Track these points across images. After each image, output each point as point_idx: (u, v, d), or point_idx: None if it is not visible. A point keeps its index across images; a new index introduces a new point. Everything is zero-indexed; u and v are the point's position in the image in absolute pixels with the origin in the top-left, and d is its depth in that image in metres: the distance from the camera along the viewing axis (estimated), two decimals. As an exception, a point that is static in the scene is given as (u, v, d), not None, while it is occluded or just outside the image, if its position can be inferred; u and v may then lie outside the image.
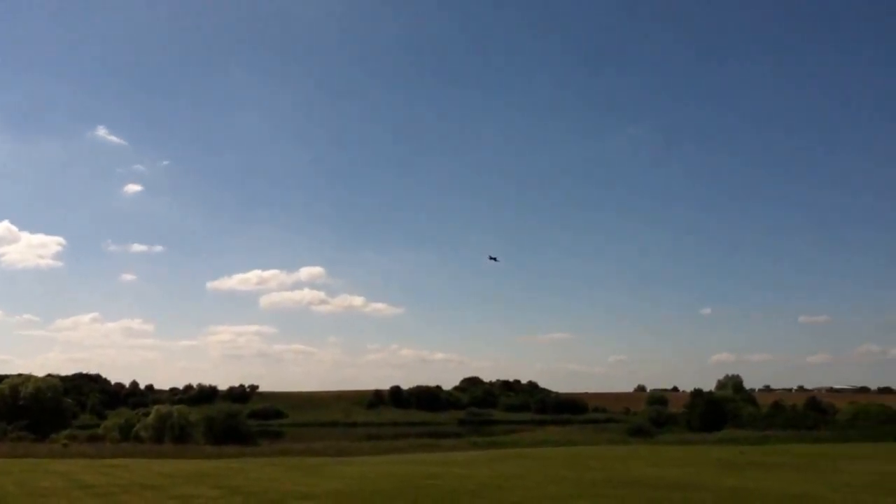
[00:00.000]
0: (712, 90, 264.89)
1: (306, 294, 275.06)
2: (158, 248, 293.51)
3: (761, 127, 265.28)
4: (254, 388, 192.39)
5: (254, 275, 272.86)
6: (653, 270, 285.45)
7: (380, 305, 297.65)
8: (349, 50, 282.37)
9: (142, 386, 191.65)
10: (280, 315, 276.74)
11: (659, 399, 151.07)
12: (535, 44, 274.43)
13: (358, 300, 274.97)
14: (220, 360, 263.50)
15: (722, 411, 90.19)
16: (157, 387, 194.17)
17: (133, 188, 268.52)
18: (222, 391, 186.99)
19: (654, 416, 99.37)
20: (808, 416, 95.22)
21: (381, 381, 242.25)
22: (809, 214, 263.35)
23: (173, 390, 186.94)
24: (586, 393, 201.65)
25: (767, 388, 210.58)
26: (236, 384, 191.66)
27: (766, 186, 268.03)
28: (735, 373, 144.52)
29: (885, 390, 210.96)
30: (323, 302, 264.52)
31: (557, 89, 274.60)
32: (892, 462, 32.29)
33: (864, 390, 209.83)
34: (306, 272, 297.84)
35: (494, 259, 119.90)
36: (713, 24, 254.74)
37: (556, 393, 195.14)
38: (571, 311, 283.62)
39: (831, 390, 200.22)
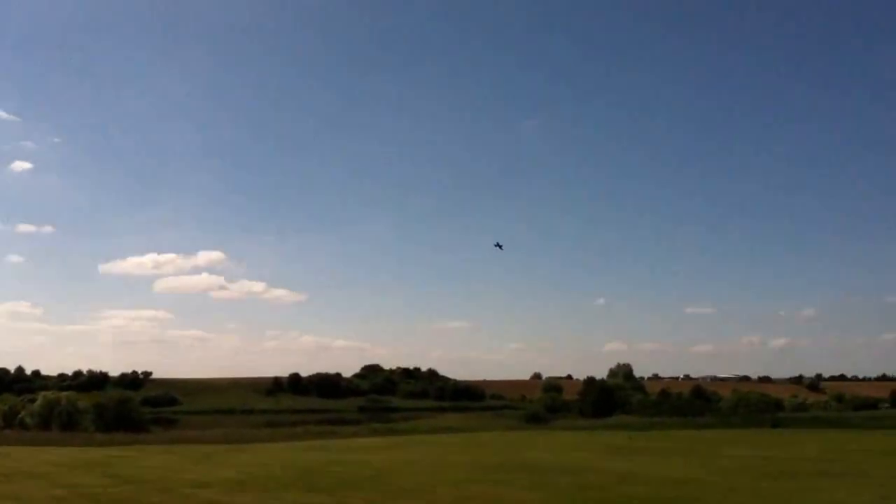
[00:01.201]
0: (608, 83, 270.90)
1: (204, 279, 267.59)
2: (48, 229, 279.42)
3: (652, 121, 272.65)
4: (147, 374, 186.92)
5: (149, 258, 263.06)
6: (550, 261, 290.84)
7: (281, 292, 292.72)
8: (247, 29, 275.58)
9: (28, 371, 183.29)
10: (176, 300, 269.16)
11: (554, 387, 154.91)
12: (435, 28, 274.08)
13: (258, 286, 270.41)
14: (112, 345, 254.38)
15: (612, 398, 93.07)
16: (44, 372, 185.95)
17: (21, 165, 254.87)
18: (114, 377, 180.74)
19: (548, 404, 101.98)
20: (693, 403, 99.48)
21: (281, 368, 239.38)
22: (697, 209, 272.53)
23: (62, 376, 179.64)
24: (484, 380, 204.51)
25: (656, 377, 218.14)
26: (129, 371, 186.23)
27: (658, 181, 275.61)
28: (626, 361, 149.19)
29: (765, 379, 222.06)
30: (222, 287, 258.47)
31: (457, 78, 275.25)
32: (769, 447, 34.13)
33: (745, 379, 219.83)
34: (205, 256, 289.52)
35: (499, 246, 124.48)
36: (601, 25, 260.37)
37: (455, 380, 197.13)
38: (471, 300, 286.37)
39: (715, 379, 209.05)
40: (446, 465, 25.42)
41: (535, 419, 73.08)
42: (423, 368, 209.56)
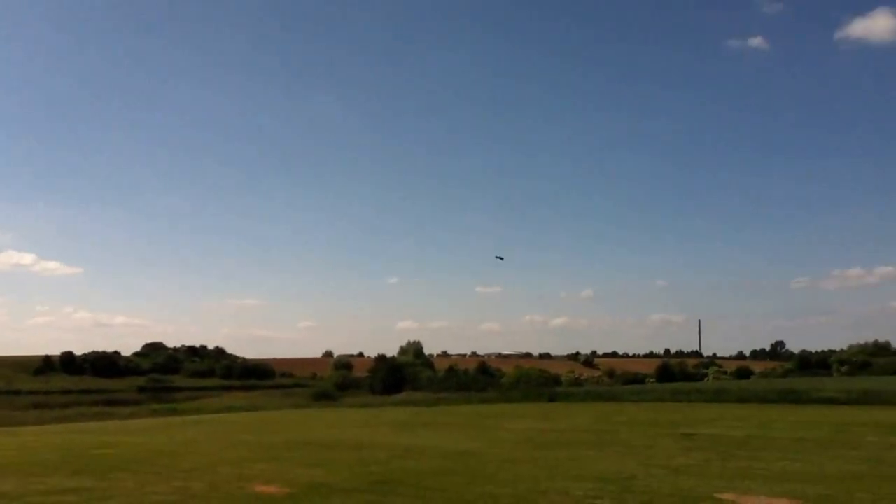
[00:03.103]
0: (416, 65, 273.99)
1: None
2: None
3: (441, 99, 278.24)
4: None
5: None
6: (343, 239, 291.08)
7: (53, 264, 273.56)
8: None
9: None
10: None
11: (344, 364, 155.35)
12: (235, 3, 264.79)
13: (27, 257, 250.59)
14: None
15: (402, 375, 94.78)
16: None
17: None
18: None
19: (338, 381, 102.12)
20: (479, 379, 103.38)
21: (52, 346, 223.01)
22: (486, 193, 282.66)
23: None
24: (275, 359, 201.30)
25: (445, 354, 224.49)
26: None
27: (452, 166, 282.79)
28: (417, 339, 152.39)
29: (545, 356, 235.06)
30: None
31: (257, 49, 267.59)
32: (544, 420, 35.94)
33: (528, 356, 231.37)
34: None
35: (500, 258, 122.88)
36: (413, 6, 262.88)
37: (244, 359, 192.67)
38: (261, 276, 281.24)
39: (500, 356, 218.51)
40: (229, 444, 24.60)
41: (325, 397, 72.98)
42: (210, 347, 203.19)
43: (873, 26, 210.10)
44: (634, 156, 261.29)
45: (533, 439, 25.98)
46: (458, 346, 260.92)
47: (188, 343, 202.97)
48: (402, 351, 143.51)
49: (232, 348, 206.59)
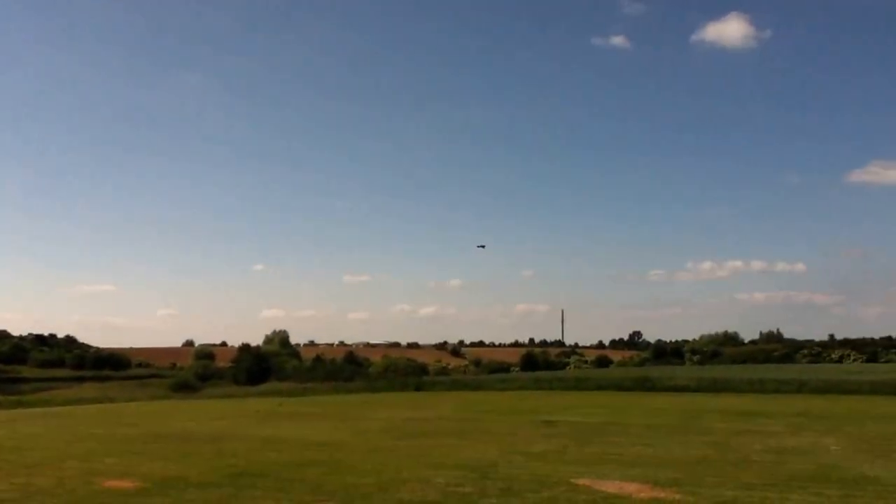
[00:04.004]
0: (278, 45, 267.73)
1: None
2: None
3: (314, 87, 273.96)
4: None
5: None
6: (205, 224, 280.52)
7: None
8: None
9: None
10: None
11: (206, 354, 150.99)
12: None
13: None
14: None
15: (267, 365, 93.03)
16: None
17: None
18: None
19: (199, 371, 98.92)
20: (346, 368, 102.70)
21: None
22: (354, 180, 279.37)
23: None
24: (131, 348, 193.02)
25: (312, 343, 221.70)
26: None
27: (308, 151, 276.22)
28: (284, 328, 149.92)
29: (414, 345, 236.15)
30: None
31: (100, 33, 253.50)
32: (410, 409, 36.11)
33: (396, 345, 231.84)
34: None
35: (482, 247, 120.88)
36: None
37: (97, 348, 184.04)
38: (116, 262, 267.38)
39: (368, 345, 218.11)
40: (77, 438, 23.39)
41: (185, 388, 70.61)
42: (60, 335, 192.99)
43: (726, 30, 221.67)
44: (500, 149, 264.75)
45: (398, 428, 26.03)
46: (326, 335, 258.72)
47: (35, 331, 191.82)
48: (268, 340, 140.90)
49: (84, 337, 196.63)
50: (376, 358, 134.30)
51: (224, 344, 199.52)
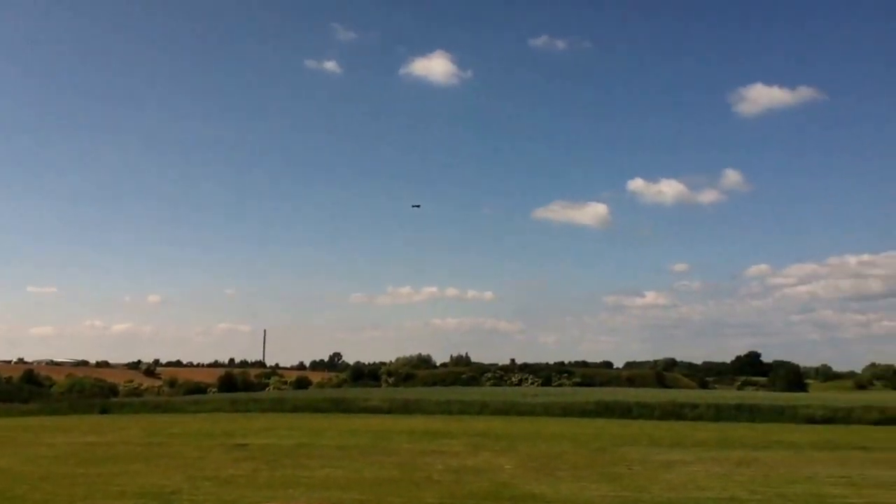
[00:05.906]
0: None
1: None
2: None
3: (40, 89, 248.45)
4: None
5: None
6: None
7: None
8: None
9: None
10: None
11: None
12: None
13: None
14: None
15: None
16: None
17: None
18: None
19: None
20: (22, 388, 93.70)
21: None
22: (39, 183, 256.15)
23: None
24: None
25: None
26: None
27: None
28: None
29: (104, 364, 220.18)
30: None
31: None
32: (94, 433, 33.91)
33: (84, 363, 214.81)
34: None
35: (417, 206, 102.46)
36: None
37: None
38: None
39: (52, 363, 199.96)
40: None
41: None
42: None
43: (431, 66, 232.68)
44: (218, 164, 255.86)
45: (76, 454, 24.36)
46: (3, 351, 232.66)
47: None
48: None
49: None
50: (60, 377, 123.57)
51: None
